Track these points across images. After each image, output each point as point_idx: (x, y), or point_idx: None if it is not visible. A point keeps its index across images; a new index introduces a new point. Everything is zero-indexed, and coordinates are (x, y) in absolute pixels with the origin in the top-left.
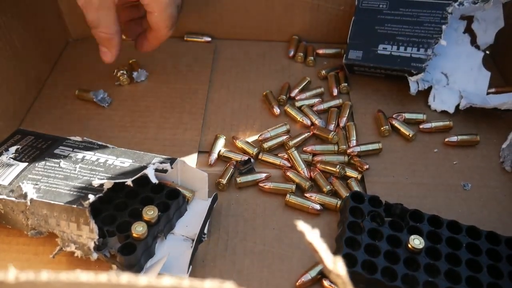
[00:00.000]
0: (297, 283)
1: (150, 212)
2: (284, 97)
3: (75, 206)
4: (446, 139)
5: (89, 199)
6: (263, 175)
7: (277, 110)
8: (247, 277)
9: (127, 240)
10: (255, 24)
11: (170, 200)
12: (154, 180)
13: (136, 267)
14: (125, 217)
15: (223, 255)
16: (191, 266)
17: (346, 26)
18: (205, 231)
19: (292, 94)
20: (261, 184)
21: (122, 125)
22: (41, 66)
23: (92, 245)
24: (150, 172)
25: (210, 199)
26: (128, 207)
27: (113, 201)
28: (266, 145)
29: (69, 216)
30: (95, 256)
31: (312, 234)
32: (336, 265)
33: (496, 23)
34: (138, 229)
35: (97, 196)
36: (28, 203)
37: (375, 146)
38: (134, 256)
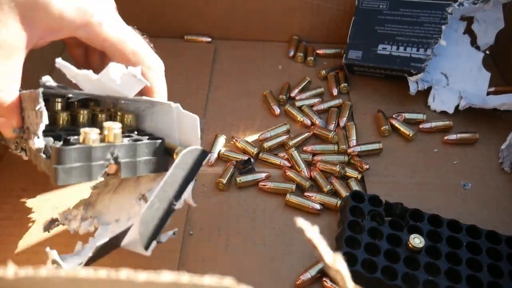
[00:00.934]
0: (297, 282)
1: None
2: (284, 97)
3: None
4: (445, 137)
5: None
6: (263, 175)
7: (277, 110)
8: (247, 277)
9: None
10: (255, 24)
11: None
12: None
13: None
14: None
15: (223, 255)
16: (155, 242)
17: (346, 26)
18: (184, 196)
19: (292, 94)
20: (261, 184)
21: None
22: (39, 69)
23: (40, 129)
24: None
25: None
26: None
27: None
28: (266, 144)
29: (31, 105)
30: (39, 143)
31: (312, 231)
32: (335, 261)
33: (496, 23)
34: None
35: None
36: None
37: (375, 146)
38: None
